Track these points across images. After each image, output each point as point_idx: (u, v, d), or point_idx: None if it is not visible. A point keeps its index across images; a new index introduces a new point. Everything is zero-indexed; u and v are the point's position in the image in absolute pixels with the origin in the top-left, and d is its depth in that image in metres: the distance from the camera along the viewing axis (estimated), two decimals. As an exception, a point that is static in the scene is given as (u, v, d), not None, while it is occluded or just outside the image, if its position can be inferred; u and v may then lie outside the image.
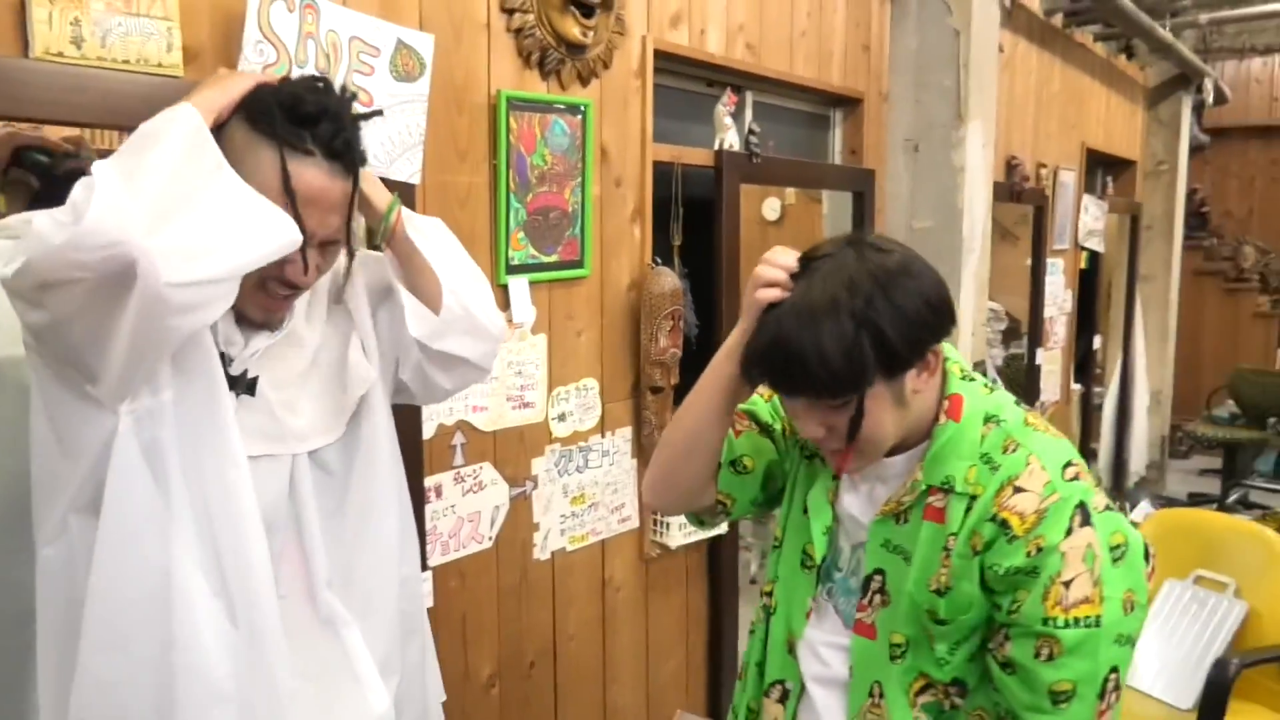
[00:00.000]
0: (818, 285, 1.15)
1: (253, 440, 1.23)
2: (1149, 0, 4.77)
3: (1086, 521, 1.13)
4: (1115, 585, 1.12)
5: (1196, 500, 6.13)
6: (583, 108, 2.26)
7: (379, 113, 1.39)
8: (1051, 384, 4.97)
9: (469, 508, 2.14)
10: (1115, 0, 4.17)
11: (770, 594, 1.38)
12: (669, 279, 2.49)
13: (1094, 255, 5.50)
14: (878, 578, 1.24)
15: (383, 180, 1.42)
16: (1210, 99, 6.08)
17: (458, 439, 2.10)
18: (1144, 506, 5.05)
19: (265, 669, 1.21)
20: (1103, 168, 5.82)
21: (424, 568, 1.99)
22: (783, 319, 1.15)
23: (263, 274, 1.17)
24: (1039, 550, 1.12)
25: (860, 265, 1.15)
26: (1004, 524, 1.14)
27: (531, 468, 2.28)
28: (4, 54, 1.38)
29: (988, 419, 1.22)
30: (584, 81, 2.29)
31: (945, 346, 1.24)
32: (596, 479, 2.45)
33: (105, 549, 1.13)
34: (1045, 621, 1.11)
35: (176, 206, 1.04)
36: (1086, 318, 5.59)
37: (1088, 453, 5.72)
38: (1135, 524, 3.07)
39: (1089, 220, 5.19)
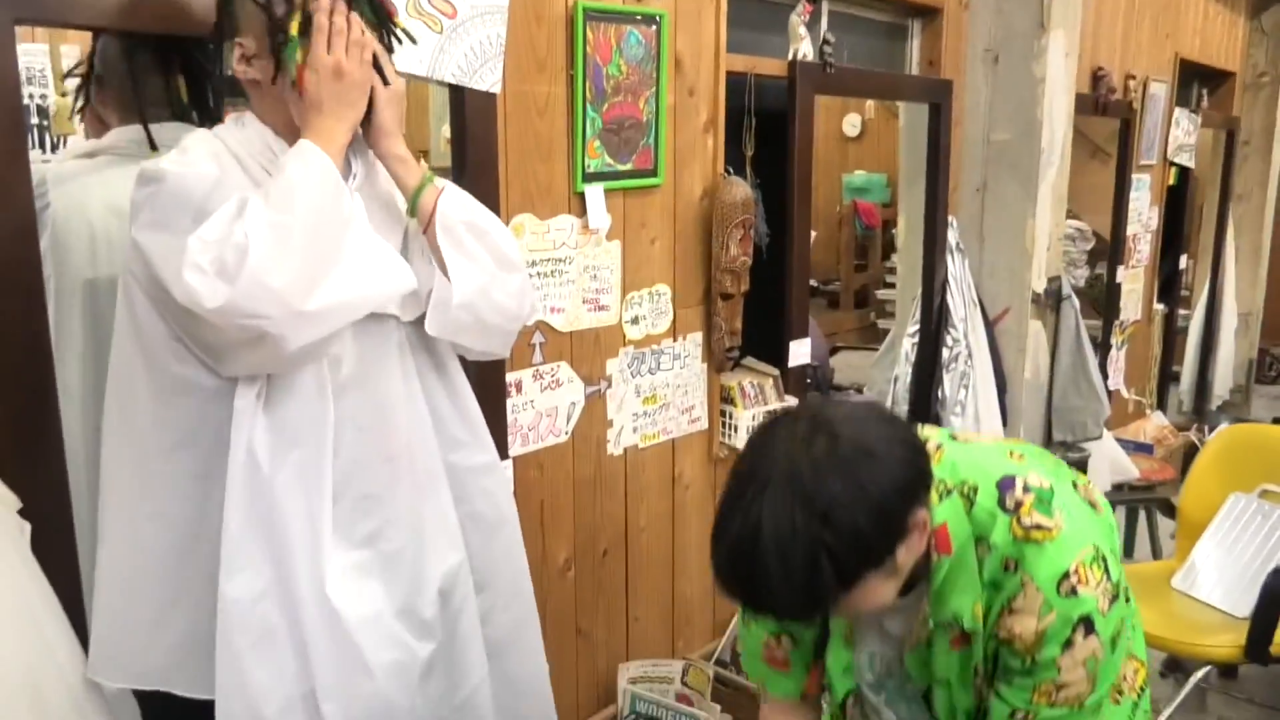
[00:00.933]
0: (769, 506, 1.07)
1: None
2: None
3: (1090, 631, 1.17)
4: (1108, 677, 1.21)
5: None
6: (658, 18, 2.32)
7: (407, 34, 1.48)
8: (1133, 303, 4.90)
9: (547, 403, 2.27)
10: (1216, -99, 4.00)
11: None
12: (740, 188, 2.56)
13: (1184, 172, 5.35)
14: (935, 689, 1.33)
15: (465, 89, 1.51)
16: (1320, 5, 5.79)
17: (536, 338, 2.22)
18: (1222, 429, 4.98)
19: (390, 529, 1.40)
20: (1199, 79, 5.60)
21: (504, 456, 2.13)
22: (738, 550, 1.10)
23: None
24: (1033, 663, 1.19)
25: (816, 444, 1.09)
26: (1008, 641, 1.21)
27: (606, 368, 2.40)
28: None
29: (978, 541, 1.21)
30: (659, -8, 2.34)
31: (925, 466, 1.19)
32: (668, 380, 2.57)
33: (235, 481, 1.28)
34: (1030, 703, 1.21)
35: (316, 273, 1.18)
36: (1174, 236, 5.46)
37: (1169, 375, 5.64)
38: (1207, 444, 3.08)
39: (1180, 134, 5.04)
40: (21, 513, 1.38)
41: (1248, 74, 5.99)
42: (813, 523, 1.05)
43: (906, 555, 1.15)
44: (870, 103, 7.95)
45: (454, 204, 1.41)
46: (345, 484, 1.35)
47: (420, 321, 1.44)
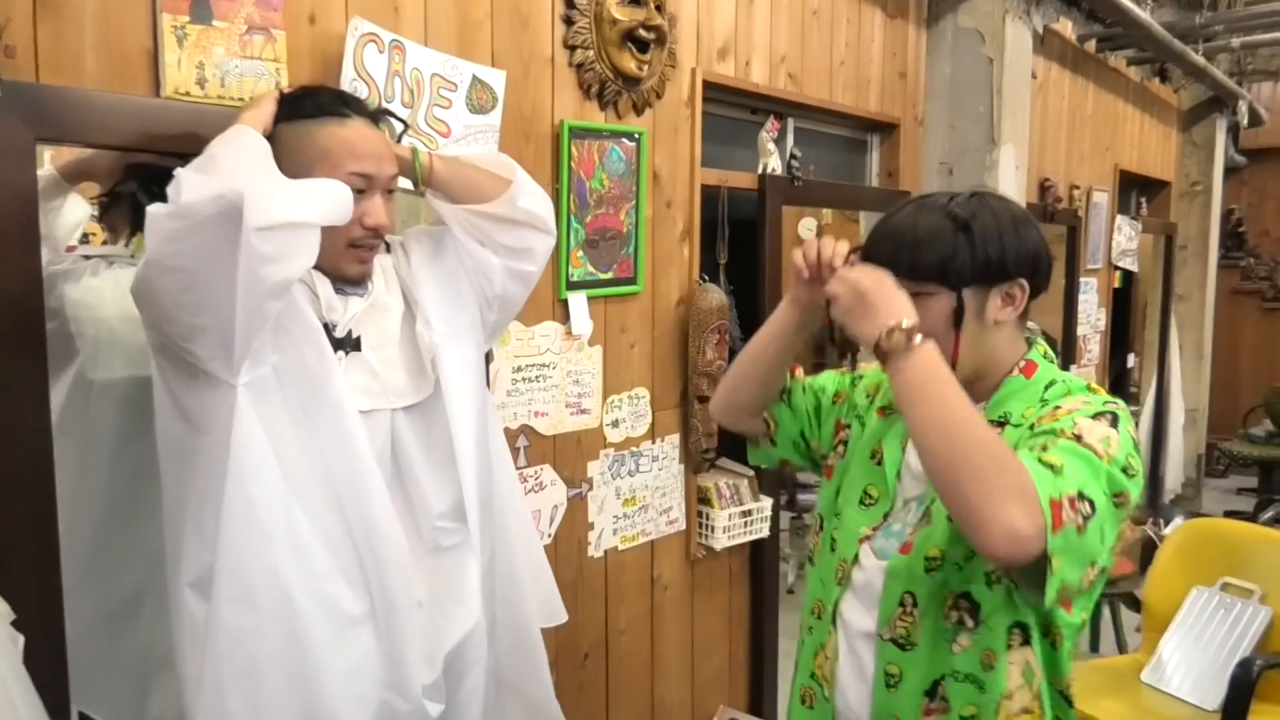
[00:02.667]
0: (942, 196, 1.35)
1: (359, 397, 1.43)
2: (1181, 25, 4.87)
3: (1114, 425, 1.23)
4: (1121, 447, 1.21)
5: (1232, 518, 6.16)
6: (637, 135, 2.43)
7: (397, 117, 1.62)
8: (1085, 401, 5.04)
9: (530, 506, 2.30)
10: (1147, 27, 4.29)
11: (823, 532, 1.51)
12: (715, 295, 2.65)
13: (1128, 274, 5.58)
14: (933, 505, 1.36)
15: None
16: (1245, 121, 6.15)
17: (521, 441, 2.27)
18: (1178, 523, 5.09)
19: (388, 594, 1.41)
20: (1137, 189, 5.90)
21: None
22: (899, 210, 1.35)
23: (349, 236, 1.41)
24: (1054, 411, 1.26)
25: (986, 197, 1.35)
26: (1039, 424, 1.26)
27: (587, 470, 2.44)
28: (139, 93, 1.57)
29: (1055, 381, 1.35)
30: (638, 111, 2.46)
31: (1040, 344, 1.40)
32: (647, 482, 2.61)
33: (230, 508, 1.31)
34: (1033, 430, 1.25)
35: (251, 171, 1.26)
36: (1121, 336, 5.67)
37: (1123, 470, 5.77)
38: (1165, 538, 3.17)
39: (1123, 240, 5.29)
40: (16, 625, 1.38)
41: (1182, 183, 6.31)
42: (957, 212, 1.31)
43: (997, 315, 1.32)
44: (827, 210, 8.22)
45: (443, 155, 1.61)
46: (347, 539, 1.40)
47: (416, 409, 1.51)
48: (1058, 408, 1.27)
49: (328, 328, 1.41)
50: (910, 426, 1.21)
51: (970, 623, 1.32)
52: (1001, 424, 1.33)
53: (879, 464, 1.46)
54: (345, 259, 1.45)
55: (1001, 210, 1.34)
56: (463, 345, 1.58)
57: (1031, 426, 1.27)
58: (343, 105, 1.45)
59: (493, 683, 1.63)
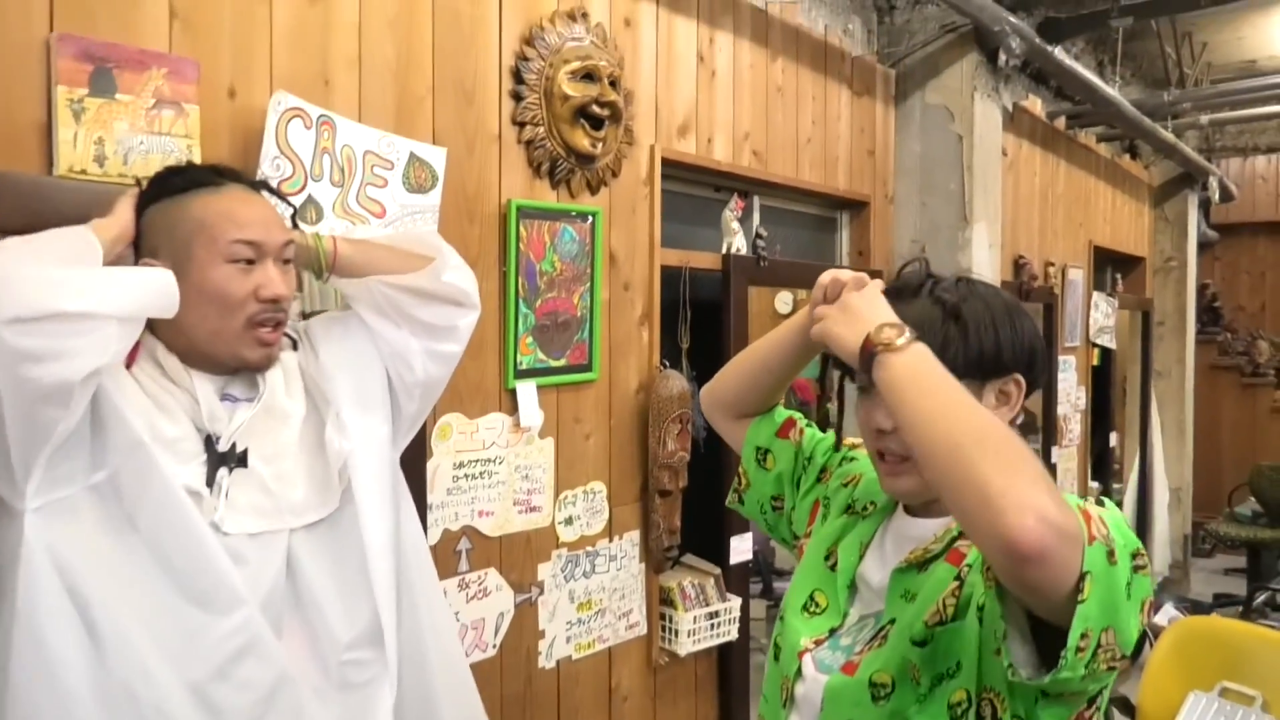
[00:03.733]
0: (922, 277, 1.22)
1: (247, 517, 1.24)
2: (1149, 103, 4.86)
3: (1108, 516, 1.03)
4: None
5: (1222, 601, 5.99)
6: (591, 215, 2.31)
7: (280, 194, 1.45)
8: (1069, 482, 4.91)
9: (473, 614, 2.11)
10: (1116, 104, 4.26)
11: (776, 640, 1.33)
12: (677, 382, 2.51)
13: (1106, 352, 5.50)
14: (888, 626, 1.18)
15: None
16: (1216, 196, 6.15)
17: (463, 544, 2.09)
18: (1168, 610, 4.93)
19: None
20: (1112, 265, 5.86)
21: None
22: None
23: (246, 313, 1.25)
24: None
25: (975, 283, 1.21)
26: None
27: (538, 573, 2.26)
28: (29, 170, 1.42)
29: None
30: (593, 190, 2.34)
31: None
32: (604, 584, 2.43)
33: (19, 661, 1.10)
34: None
35: (22, 257, 1.08)
36: (1102, 415, 5.56)
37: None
38: (1160, 628, 3.00)
39: (1100, 317, 5.21)
40: None
41: (1156, 259, 6.28)
42: (945, 298, 1.16)
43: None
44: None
45: (346, 237, 1.47)
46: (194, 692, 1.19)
47: (319, 526, 1.32)
48: None
49: (210, 441, 1.24)
50: (908, 420, 1.02)
51: None
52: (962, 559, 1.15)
53: (832, 569, 1.29)
54: (244, 343, 1.28)
55: (993, 297, 1.20)
56: (376, 447, 1.41)
57: None
58: (216, 175, 1.30)
59: None
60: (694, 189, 2.84)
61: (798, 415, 1.51)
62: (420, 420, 1.55)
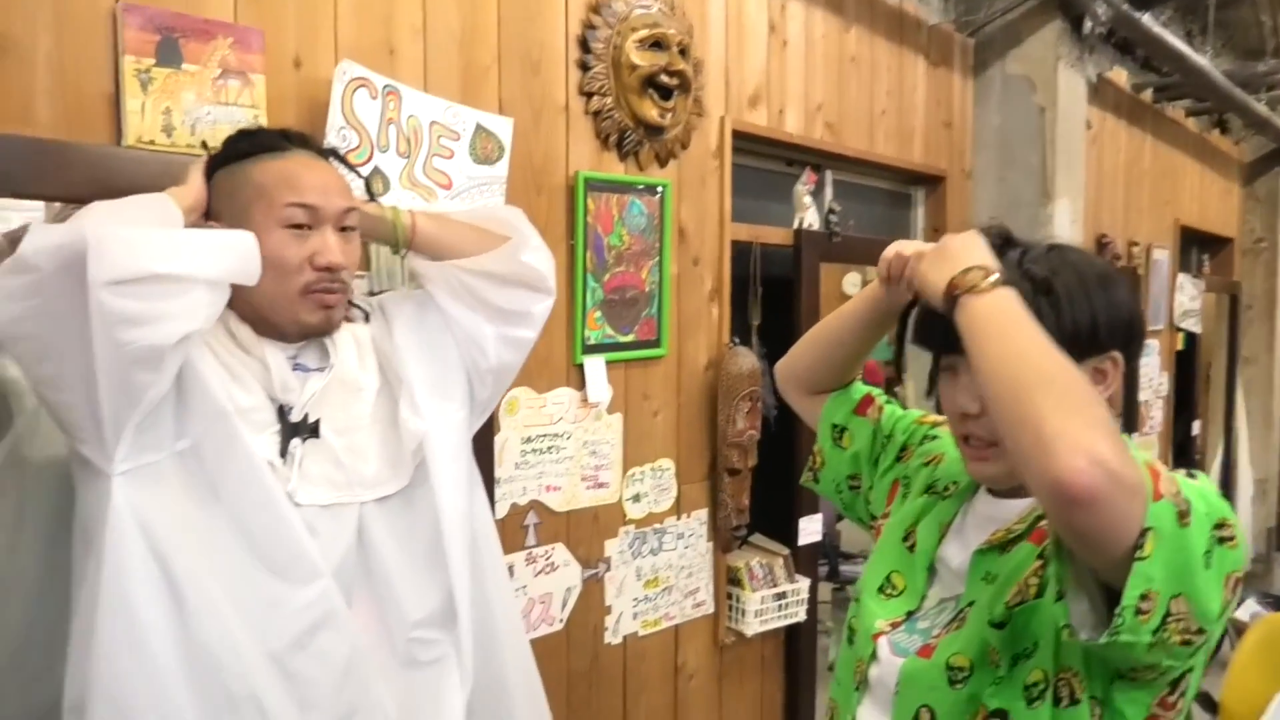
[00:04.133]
0: (1013, 250, 1.12)
1: (320, 488, 1.23)
2: (1242, 74, 4.65)
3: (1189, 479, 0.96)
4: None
5: (1310, 597, 5.75)
6: (660, 188, 2.27)
7: (352, 166, 1.41)
8: (1149, 469, 4.75)
9: (540, 589, 2.10)
10: (1207, 75, 4.07)
11: (850, 622, 1.29)
12: (747, 359, 2.46)
13: (1191, 336, 5.30)
14: (967, 609, 1.13)
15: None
16: (1311, 174, 5.88)
17: (530, 519, 2.07)
18: (1251, 605, 4.72)
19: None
20: (1198, 245, 5.63)
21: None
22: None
23: (300, 281, 1.23)
24: None
25: (1066, 251, 1.13)
26: None
27: (605, 549, 2.24)
28: (98, 141, 1.43)
29: None
30: (662, 162, 2.29)
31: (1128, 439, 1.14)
32: (671, 562, 2.39)
33: (105, 624, 1.10)
34: None
35: (115, 219, 1.07)
36: (1185, 401, 5.36)
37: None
38: (1242, 624, 2.87)
39: (1185, 300, 5.01)
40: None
41: (1245, 239, 6.02)
42: (1034, 270, 1.08)
43: None
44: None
45: (426, 211, 1.43)
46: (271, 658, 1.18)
47: (392, 501, 1.30)
48: None
49: (282, 411, 1.22)
50: (980, 363, 0.97)
51: None
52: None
53: (911, 550, 1.24)
54: (302, 308, 1.25)
55: (1086, 266, 1.12)
56: (451, 429, 1.37)
57: None
58: (283, 140, 1.28)
59: None
60: (765, 162, 2.78)
61: (876, 391, 1.46)
62: (493, 405, 1.52)
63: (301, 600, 1.18)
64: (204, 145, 1.37)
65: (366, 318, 1.40)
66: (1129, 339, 1.13)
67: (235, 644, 1.14)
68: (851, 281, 8.65)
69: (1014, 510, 1.15)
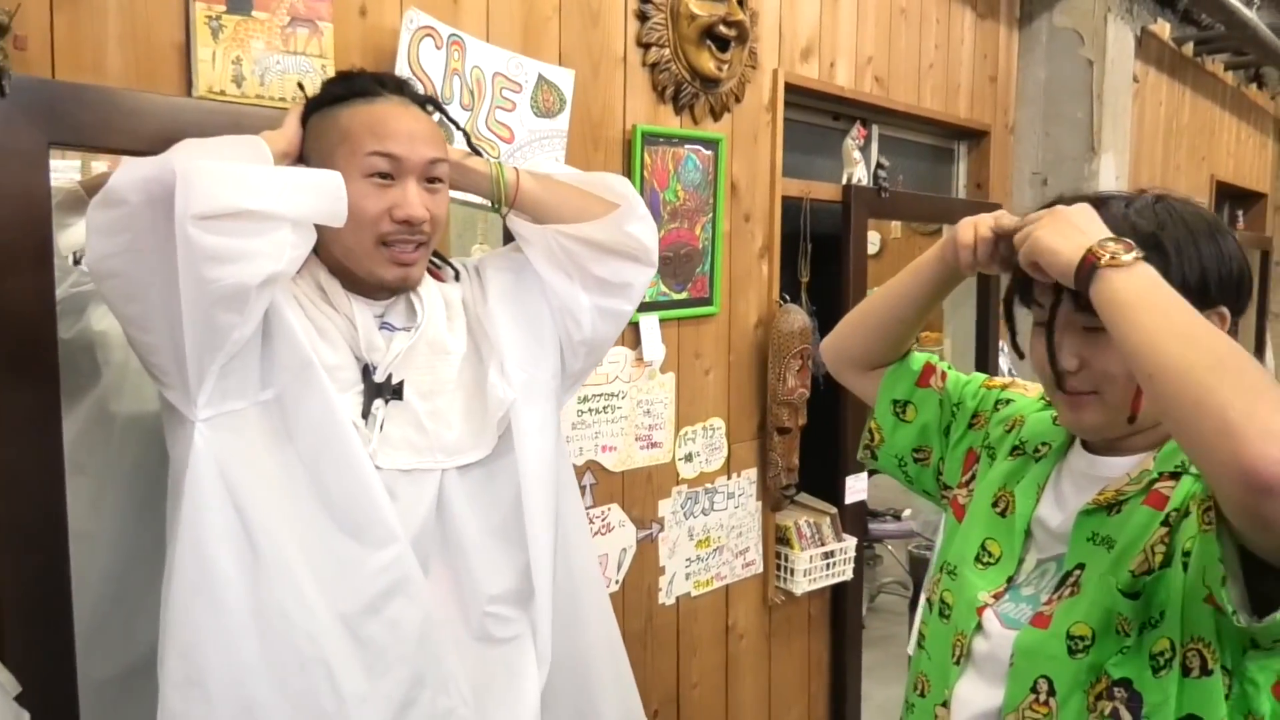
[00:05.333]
0: (1117, 201, 1.09)
1: (401, 452, 1.20)
2: (1284, 26, 4.55)
3: None
4: None
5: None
6: (715, 142, 2.22)
7: (452, 119, 1.37)
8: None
9: (597, 550, 2.09)
10: (1253, 28, 3.98)
11: (935, 590, 1.26)
12: (798, 317, 2.42)
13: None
14: (1076, 572, 1.10)
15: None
16: (1347, 129, 5.78)
17: (587, 479, 2.06)
18: None
19: (403, 685, 1.17)
20: (1231, 201, 5.56)
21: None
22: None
23: (377, 231, 1.19)
24: None
25: (1173, 202, 1.09)
26: None
27: (658, 509, 2.22)
28: (169, 93, 1.39)
29: None
30: (716, 116, 2.25)
31: None
32: (722, 522, 2.38)
33: (181, 574, 1.09)
34: None
35: (204, 153, 1.04)
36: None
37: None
38: None
39: (1219, 256, 4.95)
40: (21, 699, 1.20)
41: (1278, 195, 5.94)
42: (1140, 224, 1.05)
43: None
44: (895, 222, 7.93)
45: (529, 169, 1.38)
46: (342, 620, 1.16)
47: (473, 470, 1.27)
48: None
49: (367, 370, 1.19)
50: (1134, 341, 0.93)
51: (1126, 717, 1.06)
52: (1176, 475, 1.06)
53: (1003, 515, 1.21)
54: (377, 261, 1.21)
55: (1195, 219, 1.08)
56: (541, 400, 1.33)
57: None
58: (377, 84, 1.23)
59: None
60: (813, 116, 2.72)
61: (934, 358, 1.42)
62: (585, 378, 1.48)
63: (376, 564, 1.16)
64: (300, 87, 1.33)
65: (456, 276, 1.37)
66: (1239, 293, 1.10)
67: (307, 603, 1.12)
68: (871, 241, 8.60)
69: (1119, 468, 1.12)
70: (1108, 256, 0.96)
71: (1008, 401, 1.34)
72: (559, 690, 1.35)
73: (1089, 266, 0.97)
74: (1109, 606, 1.04)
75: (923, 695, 1.24)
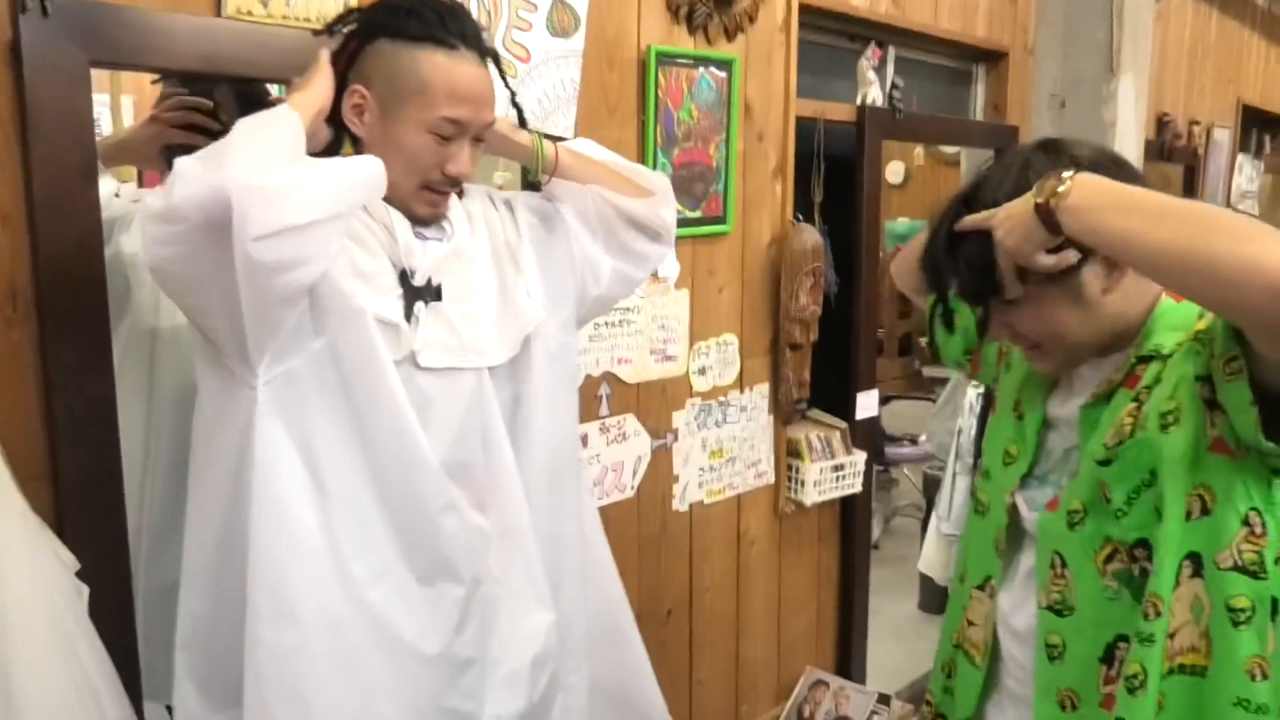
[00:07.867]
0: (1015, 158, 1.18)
1: (436, 352, 1.28)
2: (1319, -56, 4.47)
3: None
4: None
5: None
6: (730, 62, 2.26)
7: (503, 74, 1.40)
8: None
9: (613, 458, 2.19)
10: (1283, -56, 3.92)
11: (979, 496, 1.39)
12: (810, 236, 2.48)
13: (1247, 218, 5.22)
14: (1081, 454, 1.22)
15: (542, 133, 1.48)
16: (1382, 51, 5.66)
17: (603, 390, 2.15)
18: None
19: (453, 580, 1.29)
20: (1259, 126, 5.49)
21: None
22: (934, 227, 1.19)
23: (426, 179, 1.27)
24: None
25: (1065, 144, 1.16)
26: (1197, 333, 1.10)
27: (672, 420, 2.31)
28: (198, 13, 1.46)
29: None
30: (730, 36, 2.28)
31: None
32: (734, 434, 2.47)
33: (260, 520, 1.18)
34: None
35: (256, 164, 1.07)
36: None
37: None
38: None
39: (1243, 181, 4.93)
40: (80, 575, 1.31)
41: (1309, 119, 5.86)
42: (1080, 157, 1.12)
43: (1104, 284, 1.13)
44: (918, 150, 7.86)
45: (567, 144, 1.49)
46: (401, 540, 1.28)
47: (509, 368, 1.37)
48: None
49: (405, 275, 1.27)
50: (1119, 240, 1.01)
51: (1135, 572, 1.16)
52: (1150, 359, 1.15)
53: (1020, 418, 1.33)
54: (416, 200, 1.30)
55: (1103, 153, 1.16)
56: (560, 335, 1.45)
57: (1197, 336, 1.10)
58: (455, 35, 1.26)
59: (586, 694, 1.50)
60: (828, 38, 2.74)
61: None
62: (582, 325, 1.61)
63: (426, 489, 1.27)
64: (330, 24, 1.34)
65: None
66: (1118, 165, 1.18)
67: (371, 527, 1.24)
68: (894, 170, 8.54)
69: (1111, 364, 1.22)
70: (1049, 194, 1.04)
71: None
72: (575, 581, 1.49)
73: (1046, 214, 1.04)
74: (1093, 478, 1.15)
75: (961, 581, 1.39)
